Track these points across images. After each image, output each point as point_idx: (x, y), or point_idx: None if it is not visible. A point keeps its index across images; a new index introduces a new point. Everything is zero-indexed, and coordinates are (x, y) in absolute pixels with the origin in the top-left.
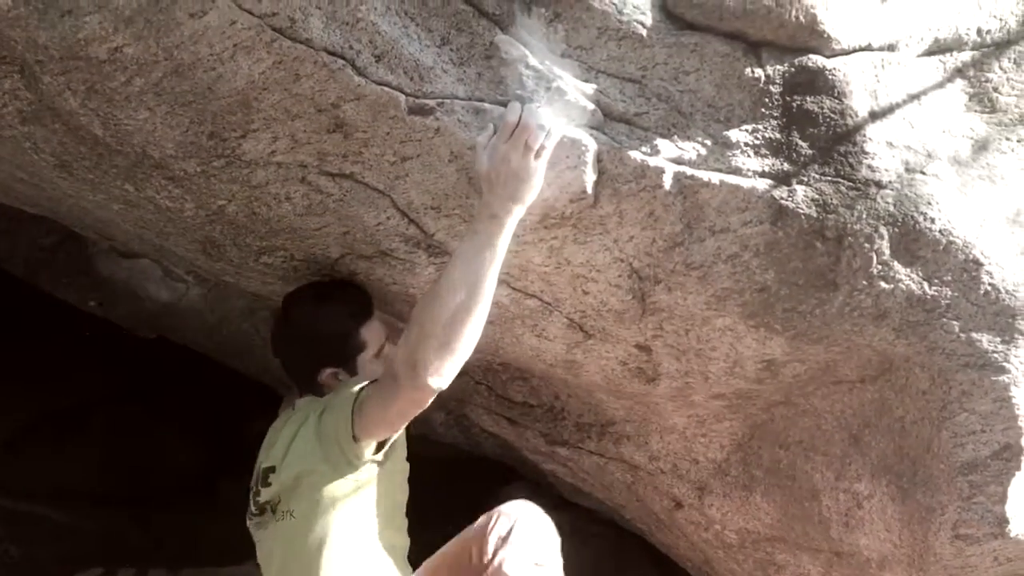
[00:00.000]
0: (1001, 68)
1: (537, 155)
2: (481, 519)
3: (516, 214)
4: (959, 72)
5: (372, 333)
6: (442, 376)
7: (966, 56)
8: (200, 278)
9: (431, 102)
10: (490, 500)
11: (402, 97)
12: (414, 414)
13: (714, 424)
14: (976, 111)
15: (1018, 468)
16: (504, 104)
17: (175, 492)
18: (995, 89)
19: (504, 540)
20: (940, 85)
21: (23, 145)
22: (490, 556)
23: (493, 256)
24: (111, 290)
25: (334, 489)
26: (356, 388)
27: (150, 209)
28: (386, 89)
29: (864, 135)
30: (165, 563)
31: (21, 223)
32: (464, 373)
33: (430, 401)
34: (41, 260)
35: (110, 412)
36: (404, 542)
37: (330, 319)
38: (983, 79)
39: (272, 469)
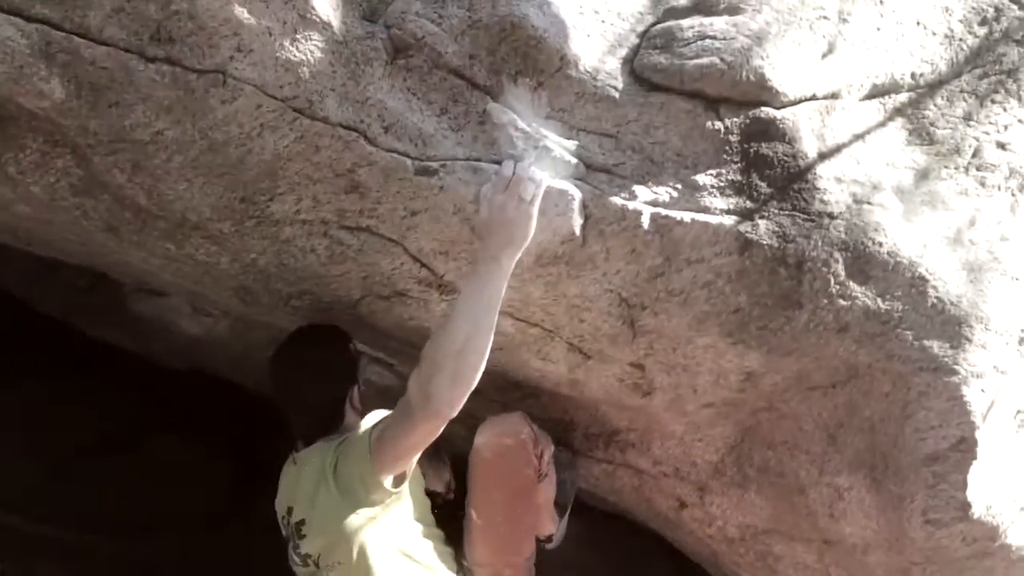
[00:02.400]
0: (935, 105)
1: (530, 203)
2: (492, 453)
3: (514, 256)
4: (898, 112)
5: (355, 345)
6: (453, 404)
7: (903, 97)
8: (225, 311)
9: (434, 164)
10: None
11: (409, 161)
12: (427, 443)
13: (708, 429)
14: (916, 144)
15: (974, 457)
16: (498, 162)
17: (212, 515)
18: (932, 124)
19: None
20: (882, 124)
21: (73, 214)
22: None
23: (494, 293)
24: (144, 327)
25: (370, 530)
26: (364, 432)
27: (189, 263)
28: (395, 155)
29: (815, 173)
30: None
31: (56, 268)
32: (481, 392)
33: (441, 429)
34: (77, 302)
35: (148, 442)
36: (439, 532)
37: (332, 356)
38: (920, 116)
39: (303, 523)
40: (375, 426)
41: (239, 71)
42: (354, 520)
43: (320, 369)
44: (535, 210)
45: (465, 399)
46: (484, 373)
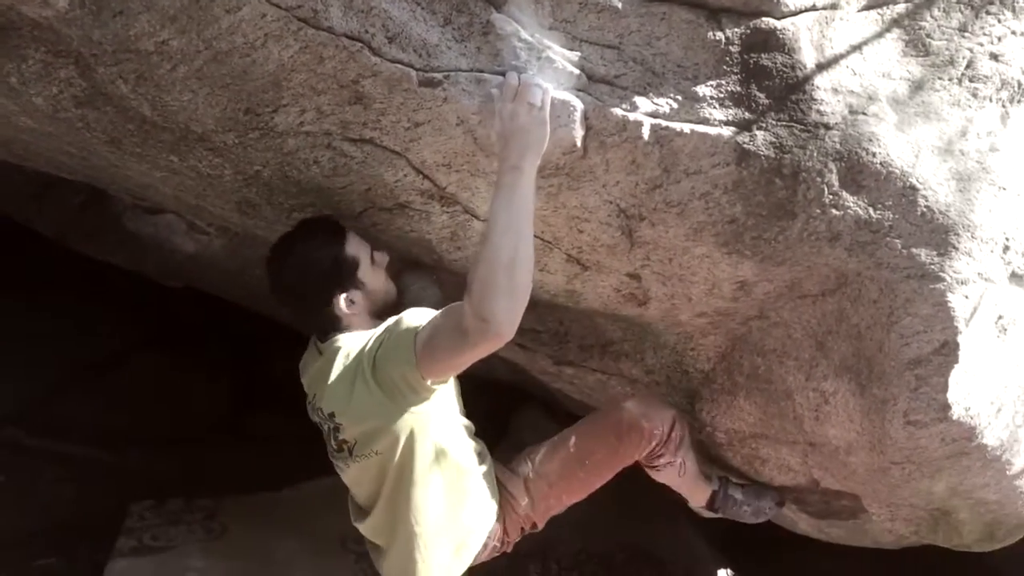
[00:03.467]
0: (932, 16)
1: (540, 108)
2: (621, 424)
3: (534, 162)
4: (895, 22)
5: (355, 246)
6: (513, 322)
7: (901, 8)
8: (222, 229)
9: (438, 75)
10: (507, 418)
11: (413, 72)
12: (482, 356)
13: (700, 339)
14: (912, 55)
15: (956, 361)
16: (502, 74)
17: (208, 428)
18: (928, 35)
19: (666, 441)
20: (879, 35)
21: (76, 125)
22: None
23: (524, 201)
24: (139, 244)
25: (411, 423)
26: (407, 328)
27: (191, 176)
28: (399, 66)
29: (813, 84)
30: (207, 493)
31: (50, 187)
32: None
33: (498, 348)
34: (71, 220)
35: (144, 358)
36: (470, 424)
37: (315, 250)
38: (917, 27)
39: (334, 414)
40: (420, 332)
41: None
42: (401, 416)
43: (304, 265)
44: (547, 114)
45: (521, 314)
46: None
